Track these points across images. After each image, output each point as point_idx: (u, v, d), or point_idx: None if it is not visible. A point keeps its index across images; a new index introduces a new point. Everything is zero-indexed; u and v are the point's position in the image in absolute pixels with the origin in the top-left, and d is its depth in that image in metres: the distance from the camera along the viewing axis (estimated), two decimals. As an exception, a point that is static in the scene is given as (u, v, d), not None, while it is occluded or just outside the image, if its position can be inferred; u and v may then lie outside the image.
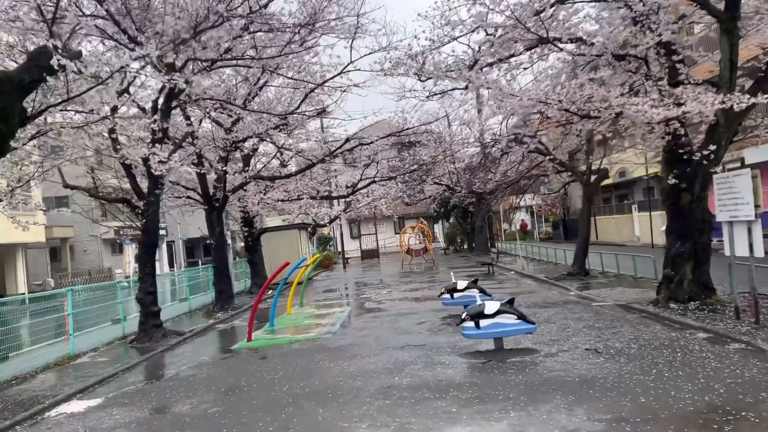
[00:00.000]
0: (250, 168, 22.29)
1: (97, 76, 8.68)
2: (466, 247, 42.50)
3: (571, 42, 10.99)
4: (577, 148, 19.40)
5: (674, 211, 11.58)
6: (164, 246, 49.44)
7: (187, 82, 11.44)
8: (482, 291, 12.61)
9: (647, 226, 31.01)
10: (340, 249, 43.25)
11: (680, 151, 11.41)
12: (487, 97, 10.93)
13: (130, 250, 38.59)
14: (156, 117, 12.55)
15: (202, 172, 18.11)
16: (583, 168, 19.82)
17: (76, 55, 9.02)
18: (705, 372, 6.84)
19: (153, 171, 13.32)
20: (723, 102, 9.13)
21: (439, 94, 12.53)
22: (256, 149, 22.69)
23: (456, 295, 12.55)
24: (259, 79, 17.37)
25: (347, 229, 51.06)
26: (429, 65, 11.77)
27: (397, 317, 13.49)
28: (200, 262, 45.28)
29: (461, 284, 12.60)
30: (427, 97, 12.24)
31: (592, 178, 19.46)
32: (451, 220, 44.40)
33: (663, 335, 9.14)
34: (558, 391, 6.58)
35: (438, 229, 50.39)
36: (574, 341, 9.17)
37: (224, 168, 16.46)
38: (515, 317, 8.60)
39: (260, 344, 11.63)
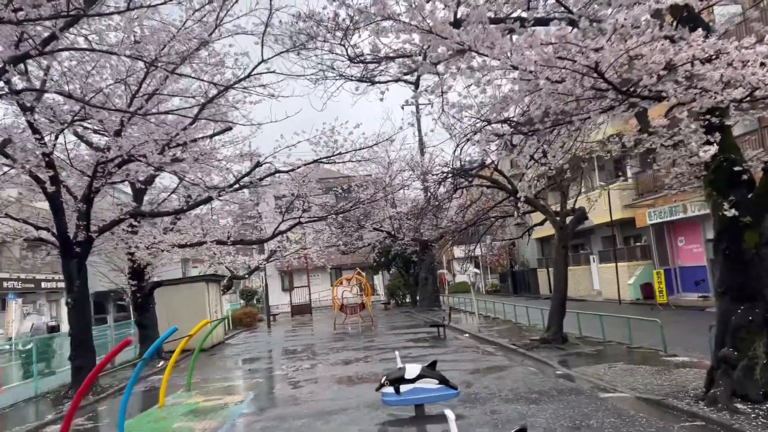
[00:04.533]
0: (143, 206, 17.51)
1: None
2: (409, 300, 38.16)
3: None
4: (549, 183, 15.76)
5: (732, 259, 7.67)
6: (62, 301, 42.86)
7: None
8: (443, 381, 8.26)
9: (610, 280, 27.67)
10: (267, 303, 38.03)
11: (735, 168, 7.66)
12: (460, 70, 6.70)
13: (15, 306, 32.30)
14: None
15: (58, 202, 13.30)
16: (557, 208, 16.13)
17: None
18: None
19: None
20: None
21: (381, 83, 8.41)
22: (150, 181, 17.92)
23: (404, 388, 8.12)
24: (142, 82, 12.94)
25: (278, 281, 45.84)
26: (364, 42, 7.76)
27: (315, 420, 8.88)
28: (110, 320, 39.11)
29: (411, 371, 8.19)
30: (361, 79, 8.09)
31: (568, 219, 15.74)
32: (392, 270, 40.10)
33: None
34: None
35: (378, 280, 45.95)
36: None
37: (78, 201, 11.67)
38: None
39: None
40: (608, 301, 27.10)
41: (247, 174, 14.22)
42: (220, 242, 18.21)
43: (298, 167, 14.82)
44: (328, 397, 10.63)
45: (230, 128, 14.31)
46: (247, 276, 28.86)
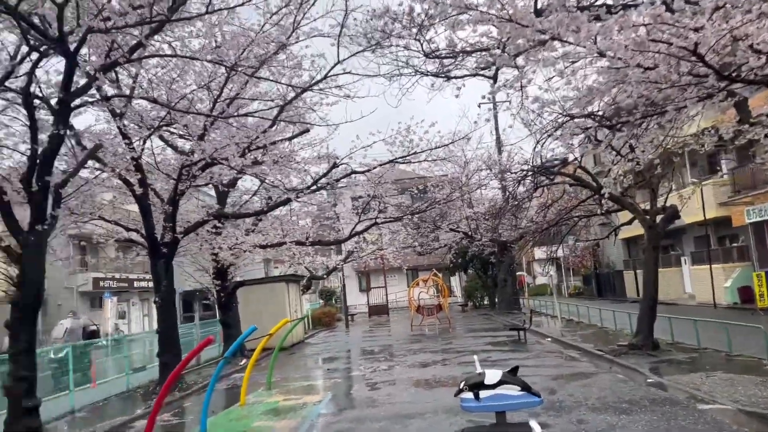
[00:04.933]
0: (225, 208, 18.05)
1: None
2: (487, 303, 37.49)
3: None
4: (636, 179, 14.92)
5: None
6: (152, 299, 45.06)
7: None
8: (526, 387, 7.89)
9: (703, 282, 26.00)
10: (345, 303, 38.48)
11: None
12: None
13: (110, 305, 34.19)
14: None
15: (146, 204, 13.86)
16: (645, 206, 15.27)
17: None
18: None
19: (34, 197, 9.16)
20: None
21: (458, 77, 8.17)
22: (233, 184, 18.44)
23: (484, 394, 7.83)
24: (223, 86, 13.27)
25: (355, 281, 46.28)
26: (440, 36, 7.51)
27: (394, 423, 8.76)
28: (196, 318, 40.79)
29: (491, 376, 7.86)
30: (437, 74, 7.89)
31: (658, 218, 14.86)
32: (470, 272, 39.50)
33: None
34: None
35: (455, 282, 45.45)
36: None
37: (165, 203, 12.11)
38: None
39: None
40: (701, 305, 25.49)
41: (325, 175, 14.34)
42: (299, 243, 18.49)
43: (374, 168, 14.80)
44: (406, 400, 10.48)
45: (308, 130, 14.47)
46: (325, 276, 29.23)
